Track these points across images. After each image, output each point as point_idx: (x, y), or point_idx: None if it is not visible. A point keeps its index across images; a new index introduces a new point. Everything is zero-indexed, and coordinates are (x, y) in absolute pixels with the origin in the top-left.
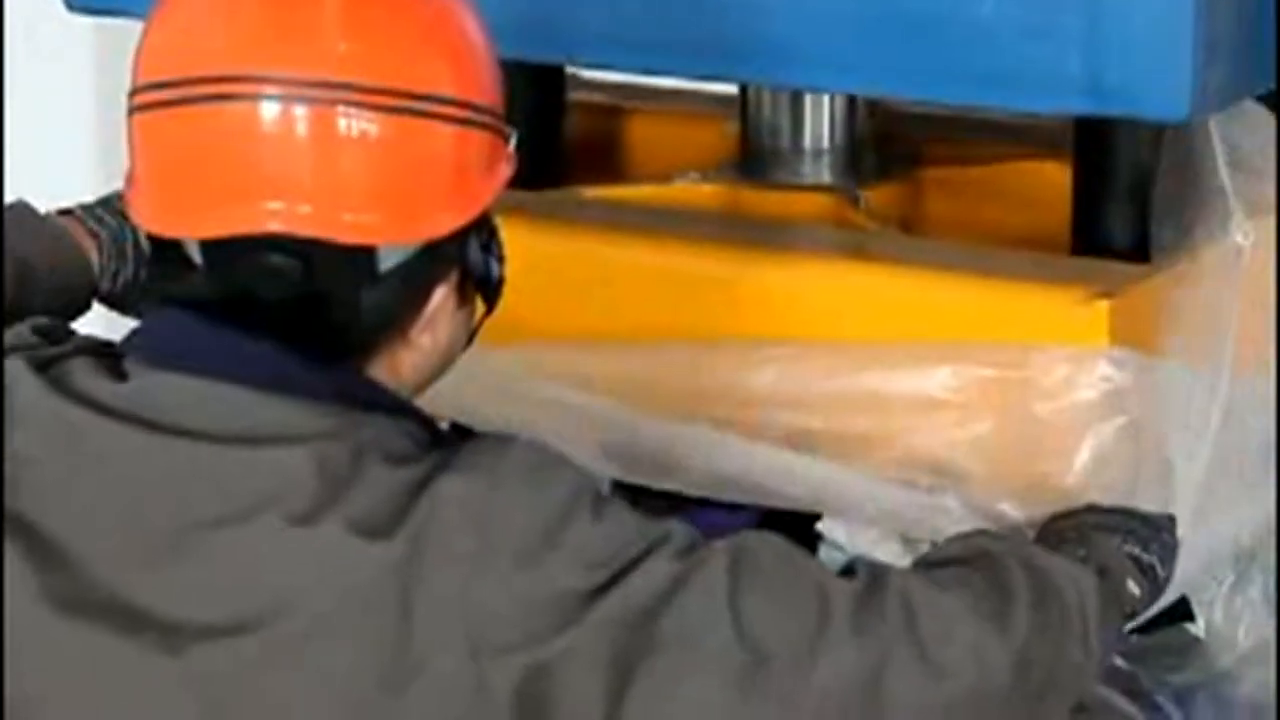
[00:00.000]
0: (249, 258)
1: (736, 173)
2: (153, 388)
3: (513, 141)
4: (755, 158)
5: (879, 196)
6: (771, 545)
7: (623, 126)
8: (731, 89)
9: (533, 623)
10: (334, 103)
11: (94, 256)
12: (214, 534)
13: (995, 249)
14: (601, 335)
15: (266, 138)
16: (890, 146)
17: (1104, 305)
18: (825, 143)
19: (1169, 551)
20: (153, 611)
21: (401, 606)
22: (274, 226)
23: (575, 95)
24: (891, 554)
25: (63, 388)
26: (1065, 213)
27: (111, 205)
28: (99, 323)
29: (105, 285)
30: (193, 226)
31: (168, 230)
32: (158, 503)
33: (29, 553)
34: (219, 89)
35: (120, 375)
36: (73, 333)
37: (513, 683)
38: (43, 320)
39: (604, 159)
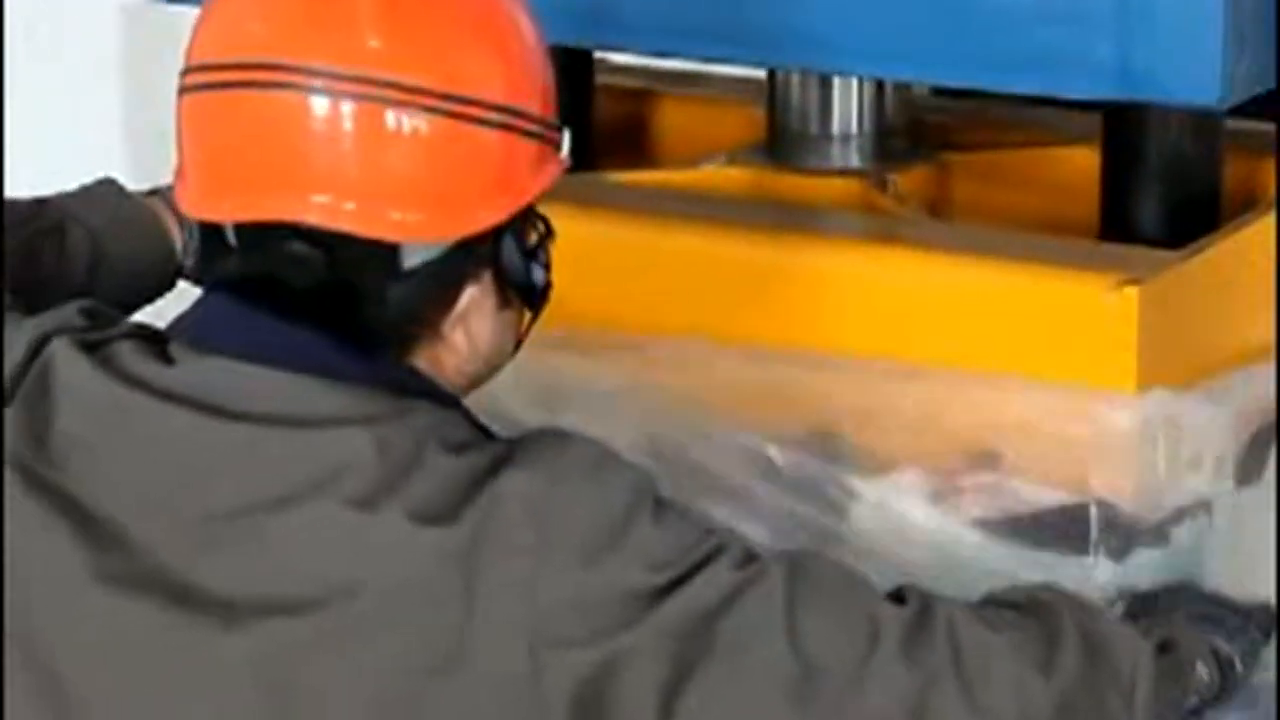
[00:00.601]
0: (275, 243)
1: (764, 157)
2: (202, 371)
3: (566, 146)
4: (783, 142)
5: (907, 181)
6: (827, 561)
7: (650, 111)
8: (759, 73)
9: (596, 619)
10: (383, 100)
11: (176, 234)
12: (271, 515)
13: (1024, 234)
14: (627, 318)
15: (313, 129)
16: (919, 131)
17: (1133, 291)
18: (853, 127)
19: (1255, 647)
20: (209, 590)
21: (461, 595)
22: (313, 219)
23: (603, 79)
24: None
25: (113, 369)
26: (1094, 198)
27: None
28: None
29: (190, 263)
30: (231, 211)
31: (205, 213)
32: (213, 484)
33: (79, 532)
34: (269, 76)
35: (168, 359)
36: (118, 317)
37: (574, 679)
38: (88, 302)
39: (631, 143)
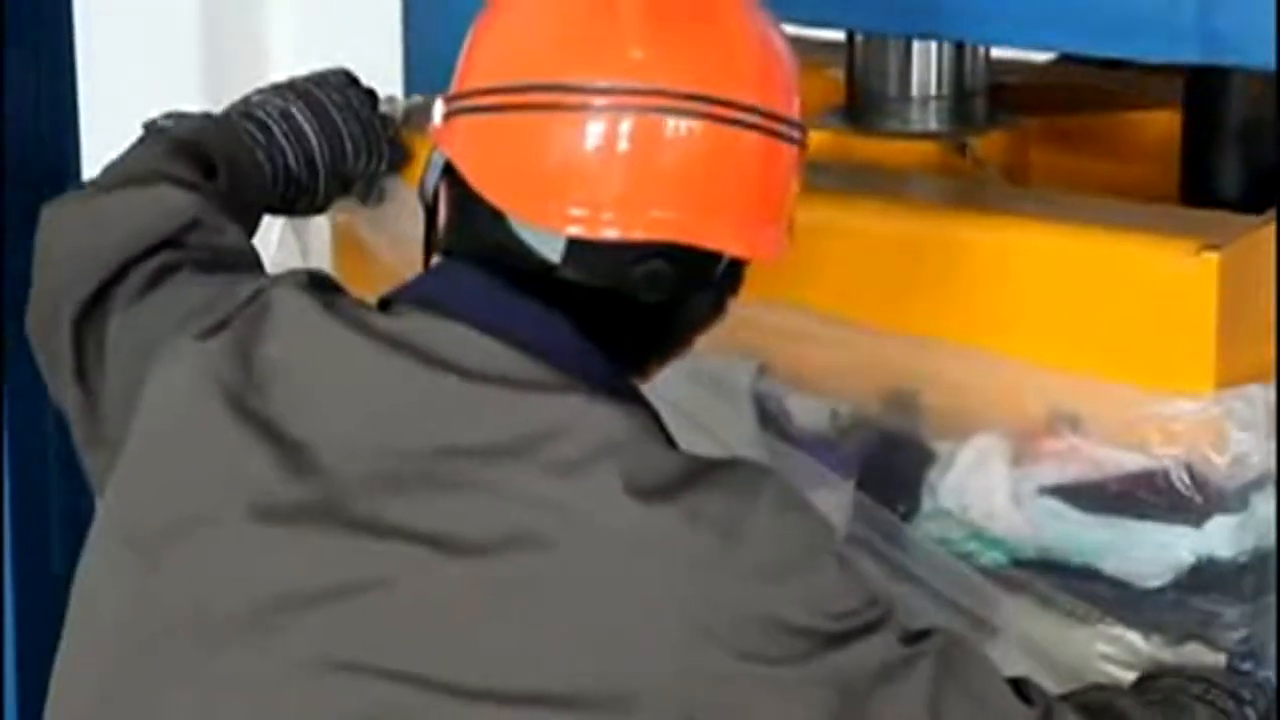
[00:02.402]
0: (627, 261)
1: (843, 120)
2: (427, 326)
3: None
4: (862, 105)
5: (986, 145)
6: (972, 651)
7: None
8: (838, 35)
9: (755, 638)
10: (727, 120)
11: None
12: (471, 464)
13: (1103, 199)
14: None
15: (668, 148)
16: (998, 95)
17: (1213, 257)
18: (933, 91)
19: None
20: (387, 522)
21: (633, 580)
22: (703, 240)
23: None
24: (1005, 515)
25: (332, 309)
26: (1174, 163)
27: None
28: None
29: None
30: (625, 228)
31: (596, 231)
32: (414, 426)
33: (273, 454)
34: (619, 99)
35: (393, 314)
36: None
37: (712, 680)
38: (318, 270)
39: None
